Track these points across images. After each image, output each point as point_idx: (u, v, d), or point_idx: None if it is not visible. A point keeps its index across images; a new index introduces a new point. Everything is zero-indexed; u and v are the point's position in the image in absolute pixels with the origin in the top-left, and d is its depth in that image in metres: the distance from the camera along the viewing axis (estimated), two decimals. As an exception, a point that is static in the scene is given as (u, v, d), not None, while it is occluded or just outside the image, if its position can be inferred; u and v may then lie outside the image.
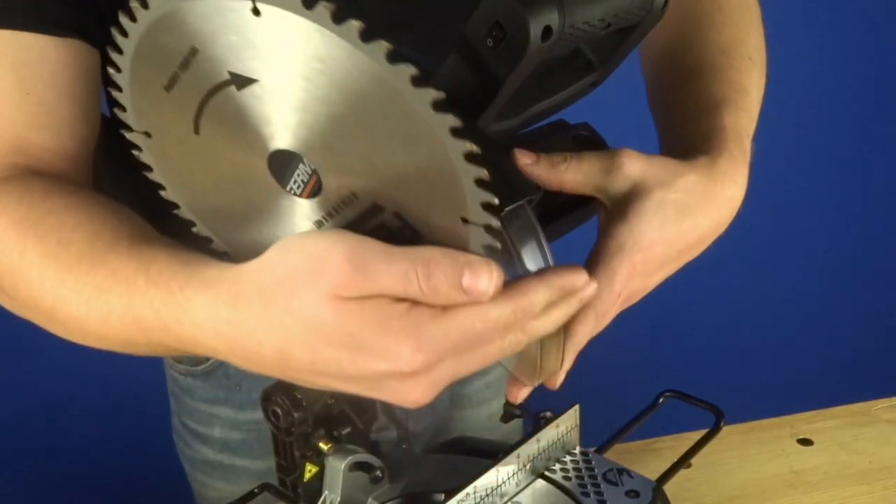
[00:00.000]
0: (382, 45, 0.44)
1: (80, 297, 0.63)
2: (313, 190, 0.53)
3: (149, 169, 0.60)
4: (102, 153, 0.84)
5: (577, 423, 0.85)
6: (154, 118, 0.55)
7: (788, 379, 2.16)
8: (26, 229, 0.66)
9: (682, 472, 0.89)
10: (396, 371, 0.51)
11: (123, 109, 0.56)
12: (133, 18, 0.50)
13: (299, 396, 0.76)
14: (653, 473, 0.84)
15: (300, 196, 0.54)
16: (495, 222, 0.48)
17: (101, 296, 0.62)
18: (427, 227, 0.51)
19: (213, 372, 1.05)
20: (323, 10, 0.44)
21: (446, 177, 0.47)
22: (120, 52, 0.53)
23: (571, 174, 0.63)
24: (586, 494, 0.80)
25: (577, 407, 0.84)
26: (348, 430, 0.78)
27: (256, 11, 0.45)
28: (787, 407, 1.12)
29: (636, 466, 0.84)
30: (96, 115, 0.77)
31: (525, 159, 0.61)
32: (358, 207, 0.53)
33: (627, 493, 0.80)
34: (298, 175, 0.53)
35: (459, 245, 0.50)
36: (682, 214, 0.64)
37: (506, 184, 0.54)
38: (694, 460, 0.91)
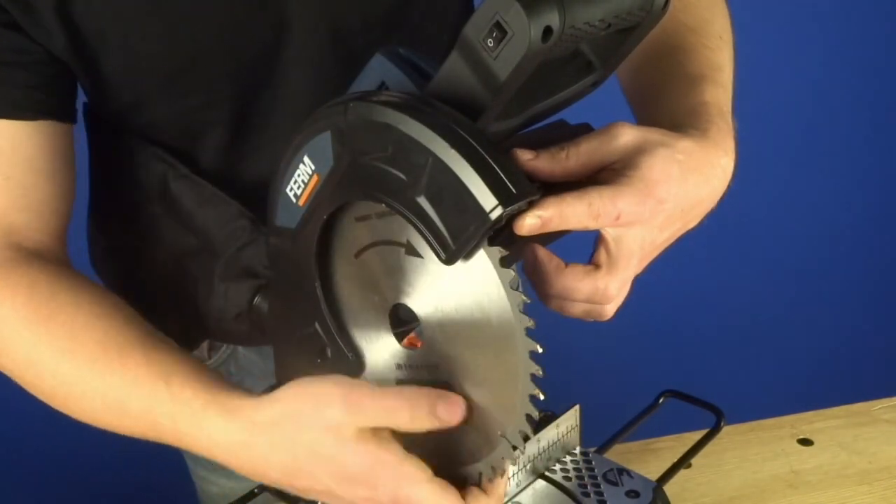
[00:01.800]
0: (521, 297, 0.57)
1: (96, 395, 0.72)
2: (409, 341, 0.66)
3: None
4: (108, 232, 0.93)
5: (578, 423, 0.85)
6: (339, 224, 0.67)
7: (788, 379, 2.16)
8: (38, 325, 0.74)
9: (683, 473, 0.89)
10: (375, 499, 0.63)
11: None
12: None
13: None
14: (653, 473, 0.84)
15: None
16: (521, 451, 0.60)
17: (118, 397, 0.71)
18: (476, 421, 0.62)
19: (215, 370, 1.05)
20: (497, 252, 0.56)
21: (508, 394, 0.59)
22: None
23: (573, 159, 0.63)
24: (586, 495, 0.80)
25: (577, 407, 0.84)
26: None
27: None
28: (787, 407, 1.12)
29: (636, 466, 0.84)
30: (72, 187, 0.84)
31: (525, 155, 0.62)
32: (433, 375, 0.64)
33: (627, 494, 0.80)
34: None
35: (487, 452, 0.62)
36: (686, 174, 0.65)
37: (507, 184, 0.54)
38: (694, 460, 0.91)
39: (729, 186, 0.70)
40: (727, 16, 0.85)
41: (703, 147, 0.67)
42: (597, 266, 0.64)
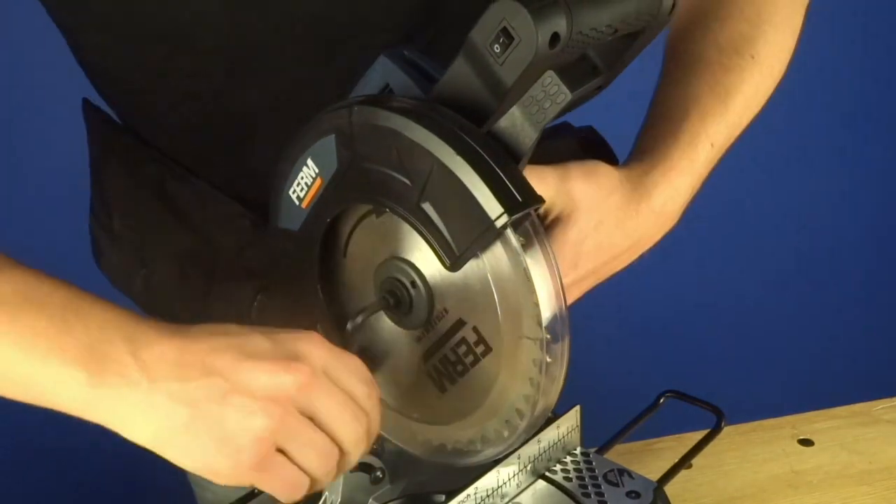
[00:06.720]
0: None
1: None
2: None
3: None
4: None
5: (578, 423, 0.85)
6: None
7: (789, 379, 2.15)
8: None
9: (683, 473, 0.89)
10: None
11: None
12: None
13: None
14: (653, 474, 0.84)
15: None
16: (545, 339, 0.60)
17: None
18: (497, 341, 0.63)
19: None
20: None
21: (515, 299, 0.60)
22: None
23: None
24: (587, 495, 0.80)
25: (577, 407, 0.84)
26: (349, 430, 0.78)
27: None
28: (787, 407, 1.12)
29: (637, 467, 0.83)
30: None
31: None
32: (447, 322, 0.65)
33: (628, 494, 0.80)
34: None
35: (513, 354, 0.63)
36: (601, 235, 0.68)
37: (513, 192, 0.54)
38: (694, 461, 0.91)
39: (680, 218, 0.72)
40: (788, 32, 0.80)
41: (629, 200, 0.69)
42: None
